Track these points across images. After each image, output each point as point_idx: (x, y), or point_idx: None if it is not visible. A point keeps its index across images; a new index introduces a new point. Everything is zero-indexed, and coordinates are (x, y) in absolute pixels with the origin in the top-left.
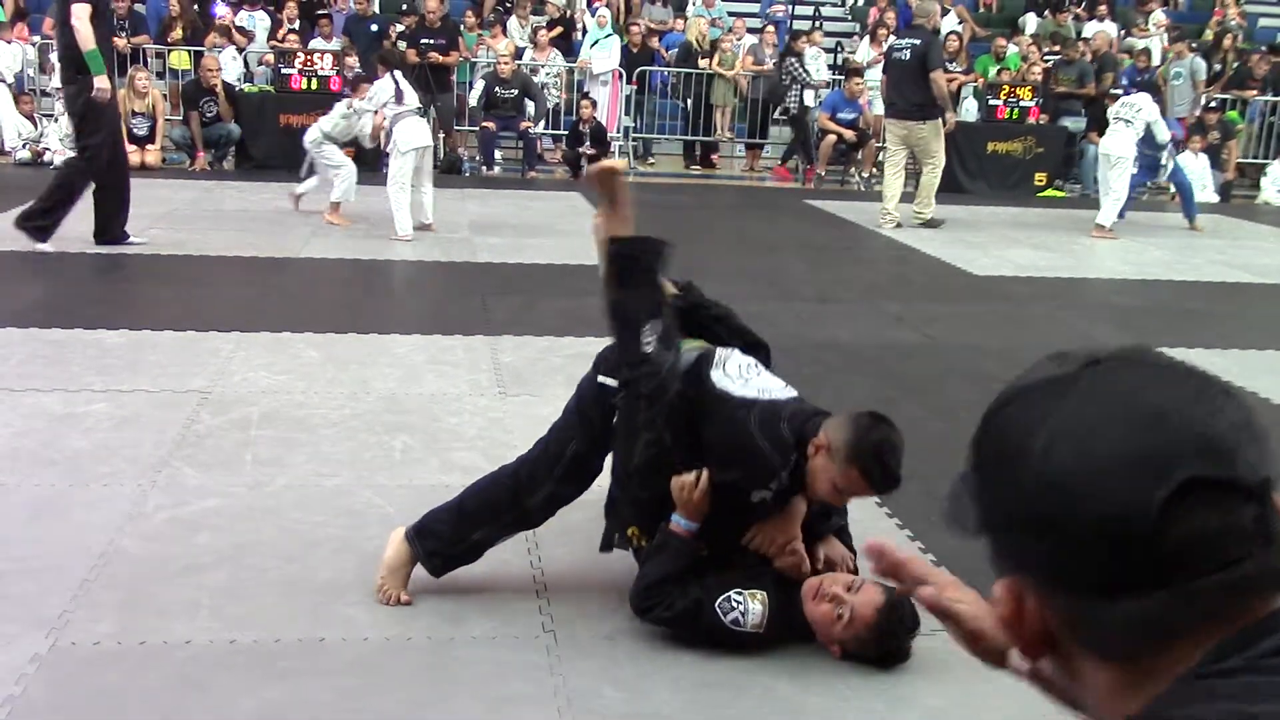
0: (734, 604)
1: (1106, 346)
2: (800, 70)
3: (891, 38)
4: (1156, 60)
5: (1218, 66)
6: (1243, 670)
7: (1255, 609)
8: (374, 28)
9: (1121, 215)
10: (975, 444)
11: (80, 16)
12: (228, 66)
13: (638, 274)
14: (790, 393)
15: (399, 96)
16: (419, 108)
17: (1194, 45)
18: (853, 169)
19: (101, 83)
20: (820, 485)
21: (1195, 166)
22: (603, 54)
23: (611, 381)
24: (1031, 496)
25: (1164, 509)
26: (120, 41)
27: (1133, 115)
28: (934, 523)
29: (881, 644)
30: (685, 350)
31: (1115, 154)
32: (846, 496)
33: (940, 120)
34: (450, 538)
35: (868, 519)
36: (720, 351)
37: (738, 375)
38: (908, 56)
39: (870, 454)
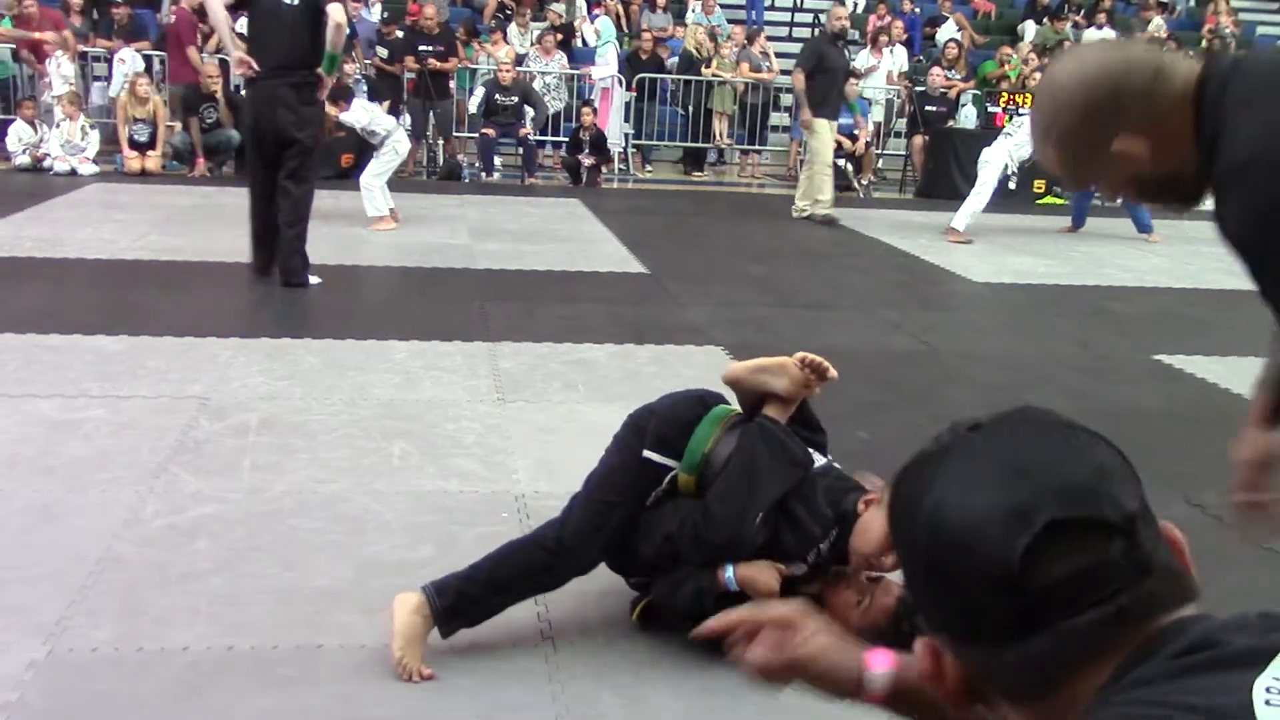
0: None
1: (990, 411)
2: None
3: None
4: None
5: None
6: (1138, 683)
7: (1141, 636)
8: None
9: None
10: (888, 509)
11: (341, 13)
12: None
13: (783, 455)
14: (821, 461)
15: None
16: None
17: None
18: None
19: (328, 84)
20: (870, 537)
21: None
22: (600, 61)
23: (660, 459)
24: (924, 554)
25: (1027, 554)
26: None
27: (1013, 130)
28: None
29: (897, 634)
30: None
31: (995, 163)
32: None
33: (814, 120)
34: (478, 599)
35: None
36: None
37: None
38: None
39: None
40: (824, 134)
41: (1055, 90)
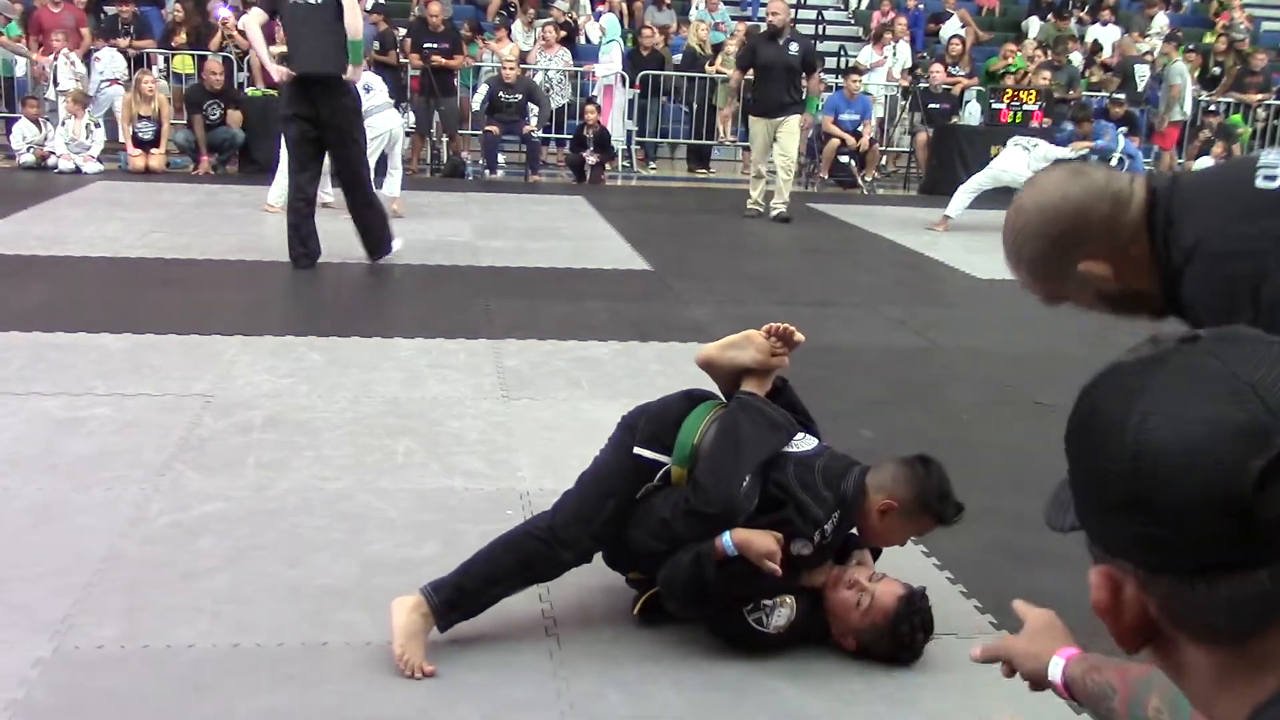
0: (760, 604)
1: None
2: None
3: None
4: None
5: (1216, 69)
6: None
7: None
8: None
9: None
10: (1069, 426)
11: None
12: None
13: (764, 421)
14: (812, 443)
15: None
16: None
17: (1190, 48)
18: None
19: (358, 72)
20: (894, 539)
21: None
22: (604, 58)
23: (651, 454)
24: (1125, 474)
25: (1261, 479)
26: (123, 43)
27: (1029, 146)
28: None
29: (896, 635)
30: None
31: (1012, 171)
32: (913, 537)
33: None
34: (475, 591)
35: None
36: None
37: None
38: None
39: (939, 499)
40: (756, 132)
41: (1023, 219)
